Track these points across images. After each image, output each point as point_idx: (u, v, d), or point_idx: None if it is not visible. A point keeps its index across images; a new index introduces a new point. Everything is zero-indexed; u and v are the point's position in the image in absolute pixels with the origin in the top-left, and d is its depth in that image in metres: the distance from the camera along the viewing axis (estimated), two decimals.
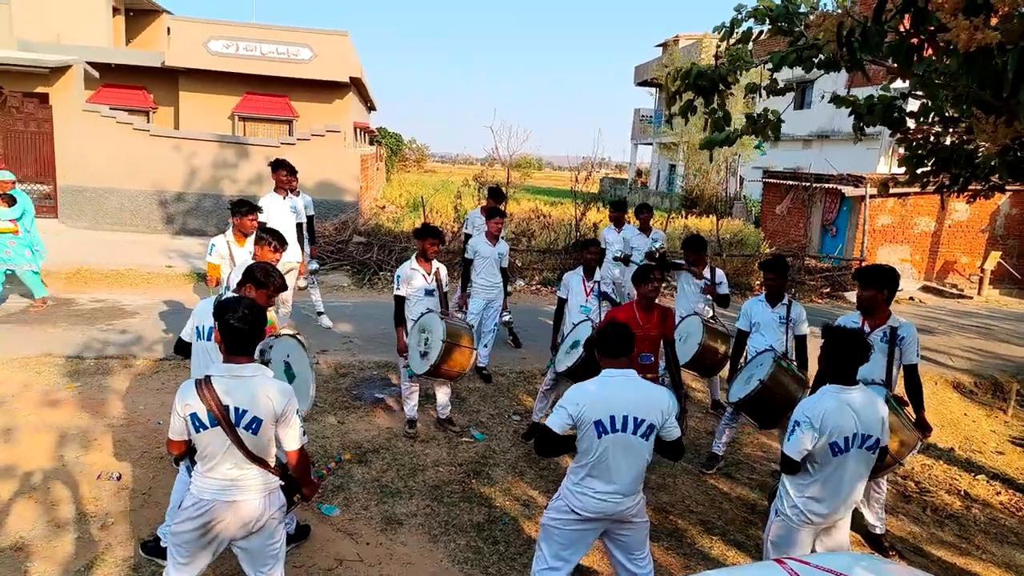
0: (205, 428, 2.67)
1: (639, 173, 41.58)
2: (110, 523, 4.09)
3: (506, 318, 7.23)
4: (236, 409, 2.68)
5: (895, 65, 4.93)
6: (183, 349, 3.82)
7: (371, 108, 30.89)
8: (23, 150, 12.64)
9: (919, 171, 5.49)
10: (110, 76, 18.47)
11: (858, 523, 4.58)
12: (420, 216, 13.15)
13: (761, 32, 4.93)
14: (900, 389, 4.40)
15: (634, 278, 4.81)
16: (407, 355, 5.45)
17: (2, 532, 3.92)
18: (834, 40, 4.15)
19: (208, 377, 2.70)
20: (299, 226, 7.21)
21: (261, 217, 6.27)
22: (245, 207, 5.63)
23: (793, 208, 17.03)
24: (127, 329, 7.64)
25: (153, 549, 3.74)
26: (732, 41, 4.93)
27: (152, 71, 18.93)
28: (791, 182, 17.35)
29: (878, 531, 4.52)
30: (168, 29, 18.60)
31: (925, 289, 14.59)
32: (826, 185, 15.68)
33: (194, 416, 2.66)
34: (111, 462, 4.81)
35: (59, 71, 12.24)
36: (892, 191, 14.93)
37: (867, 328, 4.41)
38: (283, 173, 6.99)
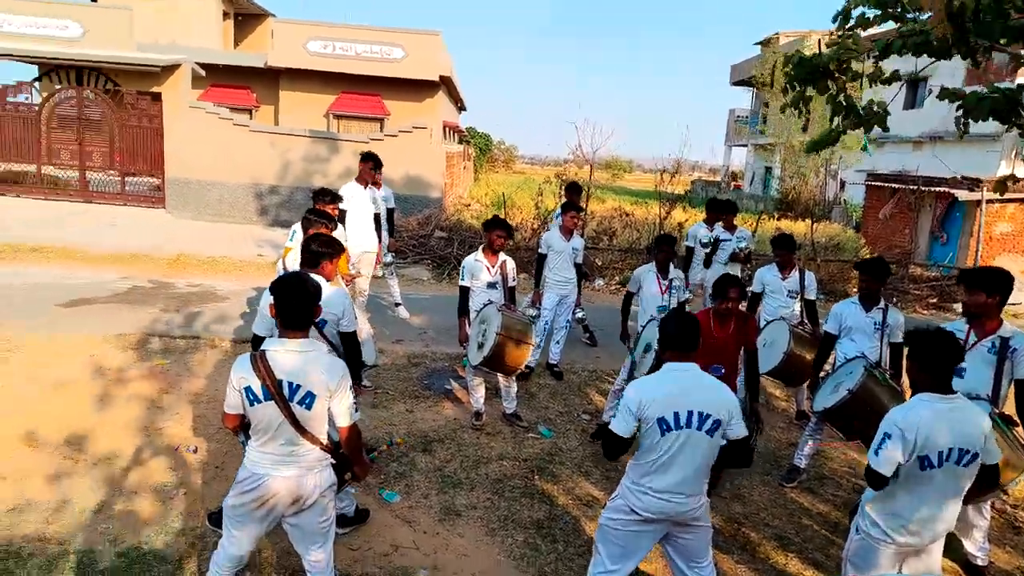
0: (259, 402, 2.69)
1: (733, 175, 40.22)
2: (182, 493, 4.25)
3: (579, 315, 7.07)
4: (290, 384, 2.68)
5: (1019, 51, 4.44)
6: (258, 344, 3.86)
7: (461, 108, 31.36)
8: (137, 144, 13.57)
9: None
10: (218, 76, 19.57)
11: (958, 552, 4.15)
12: (502, 213, 13.17)
13: (874, 17, 4.57)
14: (1010, 407, 3.95)
15: (713, 292, 4.51)
16: (467, 345, 5.42)
17: (81, 494, 4.14)
18: (943, 19, 3.78)
19: (264, 351, 2.72)
20: (376, 216, 7.32)
21: (341, 205, 6.41)
22: (328, 195, 5.75)
23: (898, 212, 15.92)
24: (217, 311, 8.01)
25: (218, 520, 3.81)
26: (847, 27, 4.59)
27: (256, 71, 19.94)
28: (897, 185, 16.23)
29: (980, 562, 4.07)
30: (272, 31, 19.54)
31: None
32: (937, 188, 14.57)
33: (248, 390, 2.68)
34: (189, 436, 5.01)
35: (169, 70, 13.05)
36: (1013, 196, 13.71)
37: (974, 337, 3.98)
38: (369, 165, 7.15)
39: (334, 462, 2.89)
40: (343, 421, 2.81)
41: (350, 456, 2.92)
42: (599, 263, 11.25)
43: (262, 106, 20.80)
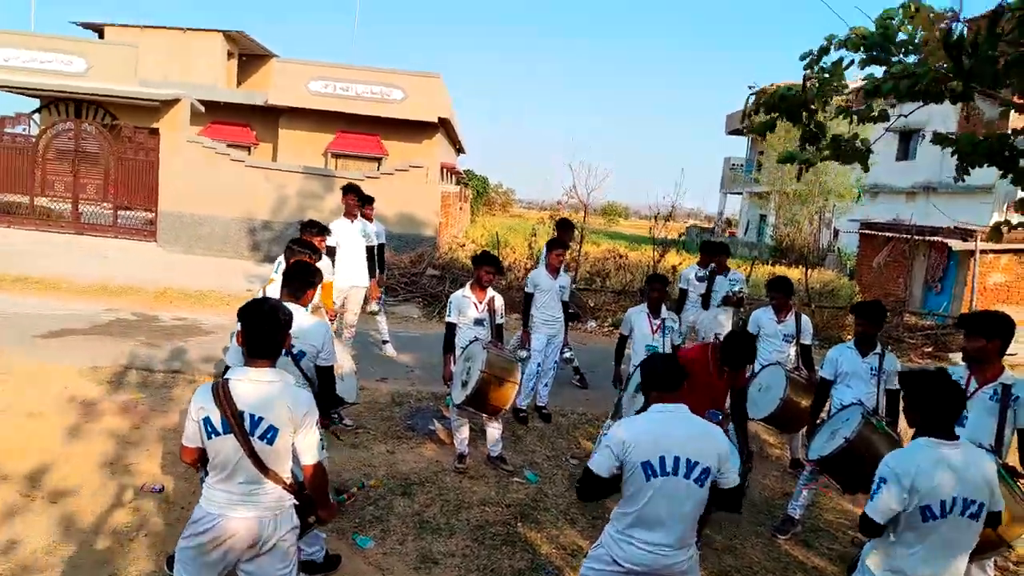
0: (218, 434, 2.52)
1: (728, 222, 40.51)
2: (142, 535, 4.02)
3: (567, 355, 6.89)
4: (252, 416, 2.52)
5: (1012, 95, 4.41)
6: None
7: (459, 150, 31.69)
8: (132, 178, 13.55)
9: None
10: (219, 114, 19.75)
11: None
12: (495, 252, 13.10)
13: (852, 62, 4.55)
14: (1012, 458, 3.79)
15: (730, 355, 4.16)
16: (451, 384, 5.25)
17: (34, 533, 3.91)
18: (939, 47, 3.73)
19: (226, 380, 2.56)
20: (369, 250, 7.21)
21: (330, 241, 6.31)
22: (315, 227, 5.65)
23: (892, 261, 15.92)
24: (201, 346, 7.82)
25: None
26: (817, 70, 4.57)
27: (256, 109, 20.13)
28: (890, 234, 16.27)
29: None
30: (273, 70, 19.80)
31: None
32: (930, 238, 14.59)
33: (207, 421, 2.52)
34: (158, 473, 4.80)
35: (168, 104, 13.13)
36: (1007, 247, 13.73)
37: (974, 384, 3.83)
38: (352, 197, 7.05)
39: (297, 503, 2.70)
40: (308, 459, 2.63)
41: (315, 497, 2.73)
42: (592, 304, 11.13)
43: (261, 144, 20.94)
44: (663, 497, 2.75)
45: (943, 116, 13.49)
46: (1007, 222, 5.37)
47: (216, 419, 2.51)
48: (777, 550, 4.73)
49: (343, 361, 4.94)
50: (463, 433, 5.41)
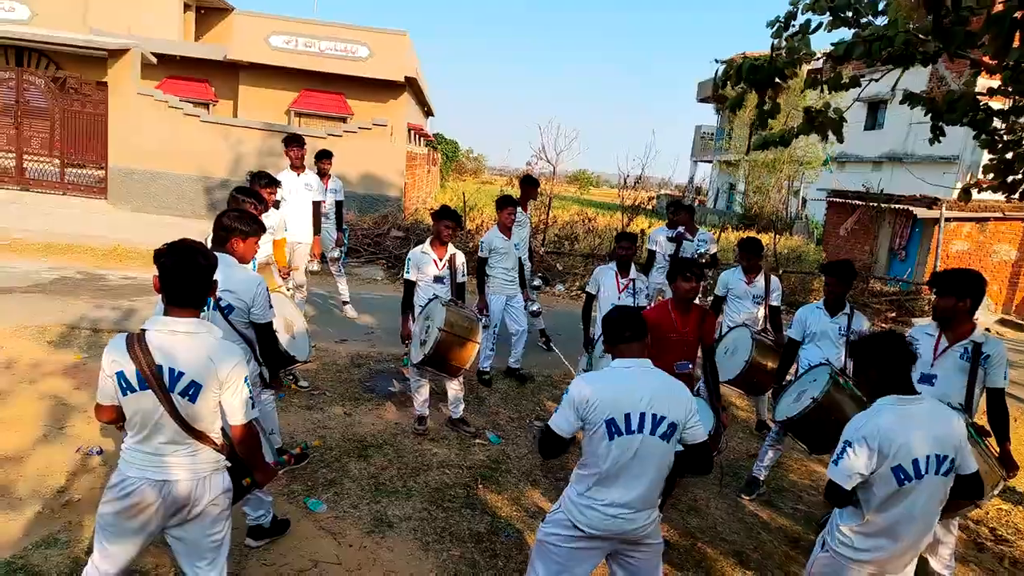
0: (133, 391, 2.27)
1: (698, 191, 40.57)
2: (76, 499, 3.77)
3: (534, 308, 6.59)
4: (171, 370, 2.27)
5: (982, 56, 4.25)
6: None
7: (428, 113, 30.95)
8: (80, 133, 12.86)
9: (1009, 179, 4.79)
10: (174, 69, 18.86)
11: (922, 571, 3.89)
12: (463, 216, 12.80)
13: (820, 25, 4.36)
14: (981, 419, 3.73)
15: (670, 275, 4.22)
16: (410, 343, 5.04)
17: None
18: (914, 10, 3.57)
19: (142, 331, 2.30)
20: (315, 205, 6.87)
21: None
22: (264, 178, 5.32)
23: (858, 229, 16.02)
24: (151, 305, 7.46)
25: None
26: (786, 36, 4.38)
27: (215, 65, 19.25)
28: (858, 202, 16.34)
29: None
30: (232, 23, 18.93)
31: (1003, 322, 13.42)
32: (896, 206, 14.67)
33: (121, 375, 2.27)
34: (96, 437, 4.52)
35: (117, 54, 12.41)
36: (970, 215, 13.87)
37: (944, 343, 3.74)
38: (295, 149, 6.65)
39: (229, 465, 2.48)
40: (236, 418, 2.39)
41: (247, 459, 2.51)
42: (560, 267, 10.95)
43: (220, 101, 20.09)
44: (627, 457, 2.59)
45: (913, 84, 13.44)
46: (977, 183, 5.29)
47: (131, 373, 2.26)
48: (742, 511, 4.67)
49: (294, 319, 4.69)
50: (423, 394, 5.21)
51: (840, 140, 4.48)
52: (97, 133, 12.88)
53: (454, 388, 5.27)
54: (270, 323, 3.39)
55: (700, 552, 4.09)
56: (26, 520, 3.55)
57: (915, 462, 2.53)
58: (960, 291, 3.65)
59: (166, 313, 2.34)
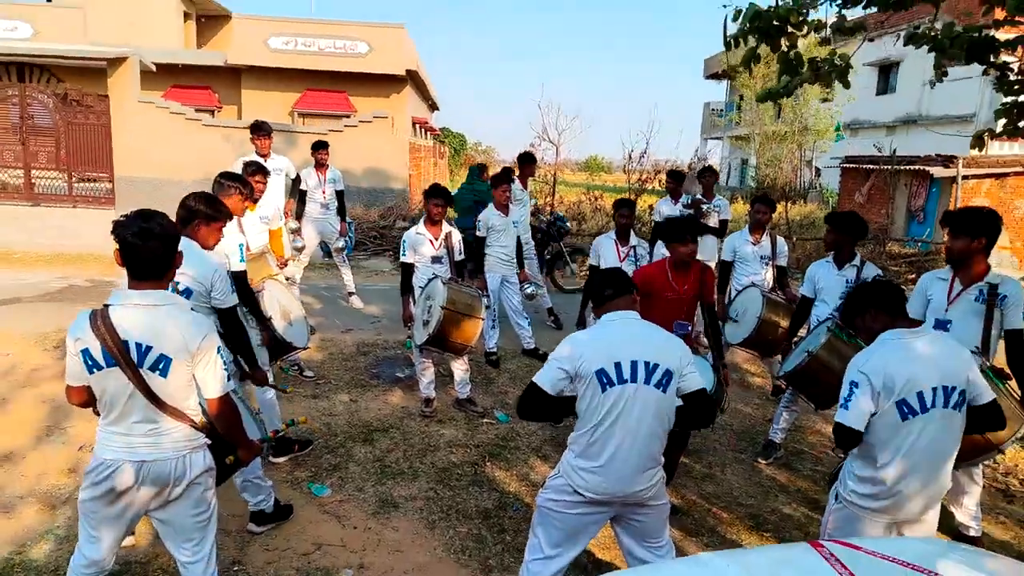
0: (100, 368, 2.20)
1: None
2: (75, 496, 3.71)
3: (528, 290, 6.46)
4: (138, 345, 2.20)
5: None
6: None
7: (433, 107, 30.86)
8: (85, 145, 12.90)
9: (1022, 124, 4.59)
10: (177, 77, 18.95)
11: (947, 524, 3.74)
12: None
13: None
14: (1001, 360, 3.56)
15: (666, 235, 4.06)
16: (412, 325, 4.95)
17: None
18: None
19: (105, 306, 2.23)
20: (301, 193, 6.93)
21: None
22: (253, 166, 5.23)
23: (874, 193, 15.67)
24: None
25: None
26: None
27: (217, 71, 19.32)
28: (871, 166, 15.99)
29: (973, 533, 3.66)
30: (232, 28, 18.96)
31: None
32: (911, 167, 14.32)
33: (86, 353, 2.19)
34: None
35: (116, 63, 12.44)
36: (988, 171, 13.49)
37: (958, 286, 3.58)
38: (260, 137, 6.47)
39: (210, 442, 2.40)
40: (211, 391, 2.31)
41: (227, 435, 2.43)
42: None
43: (224, 107, 20.16)
44: (622, 409, 2.47)
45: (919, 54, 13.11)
46: (990, 130, 5.08)
47: (96, 350, 2.19)
48: (759, 475, 4.54)
49: (291, 306, 4.64)
50: (428, 376, 5.13)
51: (846, 86, 4.30)
52: (102, 145, 12.91)
53: (460, 368, 5.18)
54: (234, 308, 3.27)
55: (716, 517, 3.97)
56: (25, 517, 3.53)
57: (920, 395, 2.40)
58: (974, 230, 3.48)
59: (130, 287, 2.26)
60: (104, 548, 2.37)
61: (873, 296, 2.55)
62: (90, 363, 2.20)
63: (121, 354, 2.17)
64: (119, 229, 2.19)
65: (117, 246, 2.22)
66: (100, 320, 2.18)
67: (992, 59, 4.28)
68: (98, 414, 2.39)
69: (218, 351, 2.30)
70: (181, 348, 2.23)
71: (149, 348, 2.20)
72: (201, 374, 2.28)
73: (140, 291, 2.24)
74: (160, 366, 2.21)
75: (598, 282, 2.63)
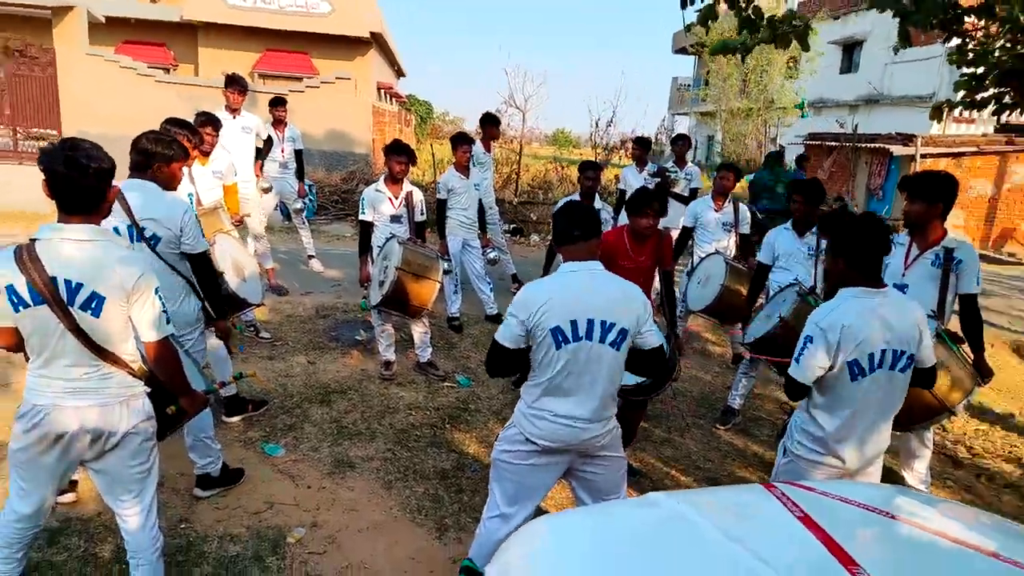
0: (26, 306, 2.06)
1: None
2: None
3: (491, 255, 6.37)
4: (67, 282, 2.06)
5: None
6: None
7: (400, 74, 30.25)
8: (31, 99, 12.29)
9: (979, 96, 4.64)
10: (130, 32, 18.16)
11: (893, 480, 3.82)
12: (437, 170, 12.48)
13: None
14: (955, 324, 3.62)
15: (628, 207, 3.99)
16: (369, 286, 4.84)
17: None
18: None
19: (33, 239, 2.09)
20: (259, 150, 6.66)
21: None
22: (204, 116, 5.01)
23: (836, 170, 15.91)
24: None
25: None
26: None
27: (172, 28, 18.55)
28: (833, 143, 16.21)
29: None
30: None
31: (981, 257, 13.43)
32: (872, 144, 14.54)
33: (11, 290, 2.05)
34: None
35: (61, 13, 11.82)
36: (945, 151, 13.78)
37: (915, 251, 3.61)
38: (233, 89, 6.27)
39: (149, 390, 2.28)
40: (148, 334, 2.19)
41: (167, 383, 2.31)
42: (534, 217, 10.74)
43: (180, 65, 19.40)
44: (576, 364, 2.43)
45: (888, 28, 13.25)
46: (948, 101, 5.13)
47: (21, 286, 2.05)
48: (717, 440, 4.58)
49: (244, 262, 4.47)
50: (387, 338, 5.04)
51: (805, 48, 4.28)
52: (49, 99, 12.31)
53: (419, 330, 5.10)
54: (205, 252, 3.16)
55: (674, 480, 4.00)
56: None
57: (871, 356, 2.43)
58: (931, 195, 3.51)
59: (60, 220, 2.12)
60: (34, 501, 2.25)
61: (853, 244, 2.49)
62: (16, 300, 2.06)
63: (49, 291, 2.03)
64: (45, 159, 2.03)
65: (44, 177, 2.07)
66: (26, 255, 2.04)
67: (955, 27, 4.30)
68: (28, 360, 2.25)
69: (156, 292, 2.17)
70: (116, 287, 2.10)
71: (80, 285, 2.07)
72: (137, 315, 2.15)
73: (71, 225, 2.09)
74: (92, 305, 2.08)
75: (565, 220, 2.55)
